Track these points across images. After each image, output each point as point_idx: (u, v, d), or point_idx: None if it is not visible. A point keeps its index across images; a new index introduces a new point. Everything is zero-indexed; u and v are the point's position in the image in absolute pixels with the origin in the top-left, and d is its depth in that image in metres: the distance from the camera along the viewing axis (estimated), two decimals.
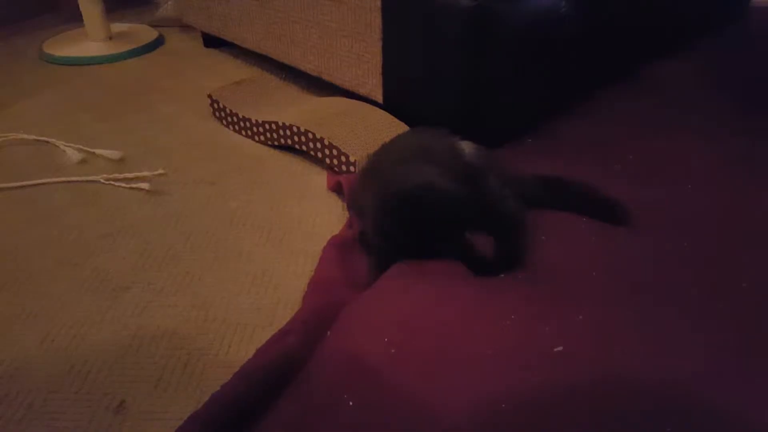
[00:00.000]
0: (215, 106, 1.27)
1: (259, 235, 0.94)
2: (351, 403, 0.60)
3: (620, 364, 0.65)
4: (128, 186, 1.07)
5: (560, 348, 0.66)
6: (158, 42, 1.78)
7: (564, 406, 0.60)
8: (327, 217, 0.97)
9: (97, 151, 1.17)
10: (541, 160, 1.00)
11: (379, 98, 1.15)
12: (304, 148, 1.09)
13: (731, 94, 1.27)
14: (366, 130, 1.08)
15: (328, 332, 0.70)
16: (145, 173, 1.09)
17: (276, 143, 1.16)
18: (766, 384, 0.62)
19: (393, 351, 0.65)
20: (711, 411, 0.59)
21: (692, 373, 0.63)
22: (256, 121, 1.17)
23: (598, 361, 0.65)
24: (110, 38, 1.74)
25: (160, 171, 1.08)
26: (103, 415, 0.65)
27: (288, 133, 1.11)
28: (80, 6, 1.68)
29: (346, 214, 0.96)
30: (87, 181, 1.09)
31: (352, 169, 1.02)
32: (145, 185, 1.06)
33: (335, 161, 1.05)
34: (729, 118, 1.17)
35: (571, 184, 0.92)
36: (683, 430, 0.56)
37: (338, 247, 0.84)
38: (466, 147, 0.87)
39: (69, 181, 1.09)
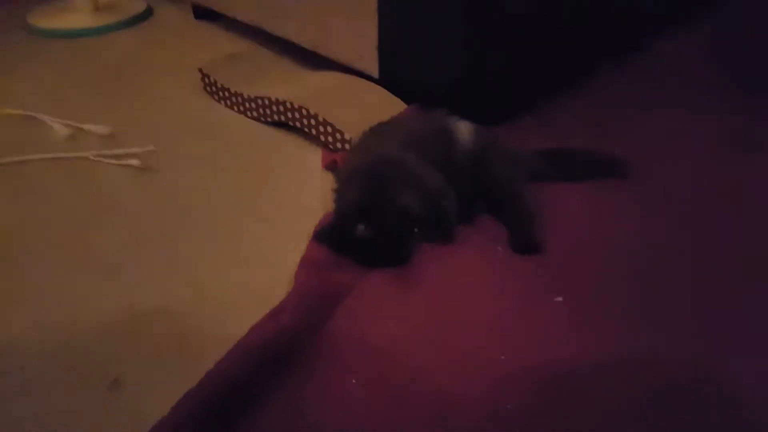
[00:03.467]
0: (206, 80, 1.24)
1: (252, 213, 0.92)
2: (354, 381, 0.61)
3: (614, 338, 0.65)
4: (118, 163, 1.05)
5: (560, 299, 0.67)
6: (147, 13, 1.73)
7: (569, 369, 0.61)
8: (321, 195, 0.96)
9: (86, 126, 1.15)
10: (539, 139, 1.00)
11: (375, 73, 1.13)
12: (297, 124, 1.08)
13: (730, 72, 1.26)
14: (361, 107, 1.06)
15: (333, 316, 0.70)
16: (135, 149, 1.06)
17: (269, 119, 1.14)
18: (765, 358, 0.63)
19: (394, 329, 0.66)
20: (708, 384, 0.60)
21: (692, 347, 0.64)
22: (248, 96, 1.15)
23: (595, 332, 0.66)
24: (97, 9, 1.69)
25: (151, 147, 1.06)
26: (98, 392, 0.65)
27: (281, 108, 1.09)
28: None
29: None
30: (76, 158, 1.06)
31: (347, 146, 1.00)
32: (135, 162, 1.04)
33: (330, 138, 1.03)
34: (727, 97, 1.16)
35: (570, 152, 0.93)
36: (687, 402, 0.57)
37: None
38: (466, 129, 0.86)
39: (57, 158, 1.07)
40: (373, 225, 0.74)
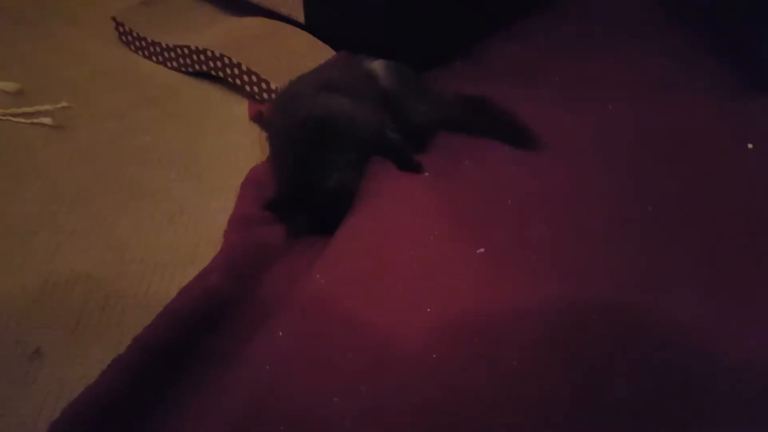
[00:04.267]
0: (121, 29, 1.16)
1: (176, 171, 0.89)
2: (281, 334, 0.61)
3: (536, 286, 0.67)
4: (29, 121, 0.98)
5: (482, 250, 0.69)
6: None
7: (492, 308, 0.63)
8: (249, 149, 0.93)
9: None
10: (469, 84, 0.99)
11: (301, 18, 1.08)
12: (221, 74, 1.03)
13: (655, 16, 1.26)
14: (287, 54, 1.02)
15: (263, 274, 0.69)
16: (47, 107, 0.99)
17: (190, 69, 1.08)
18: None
19: (322, 281, 0.66)
20: (628, 326, 0.62)
21: (609, 290, 0.66)
22: (167, 45, 1.08)
23: (517, 281, 0.68)
24: None
25: (64, 104, 1.00)
26: (19, 364, 0.63)
27: (203, 57, 1.03)
28: None
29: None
30: None
31: (274, 96, 0.97)
32: (47, 120, 0.97)
33: (255, 88, 0.99)
34: (652, 41, 1.17)
35: (488, 107, 0.91)
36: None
37: (257, 181, 0.82)
38: (383, 69, 0.84)
39: None
40: (310, 209, 0.74)
